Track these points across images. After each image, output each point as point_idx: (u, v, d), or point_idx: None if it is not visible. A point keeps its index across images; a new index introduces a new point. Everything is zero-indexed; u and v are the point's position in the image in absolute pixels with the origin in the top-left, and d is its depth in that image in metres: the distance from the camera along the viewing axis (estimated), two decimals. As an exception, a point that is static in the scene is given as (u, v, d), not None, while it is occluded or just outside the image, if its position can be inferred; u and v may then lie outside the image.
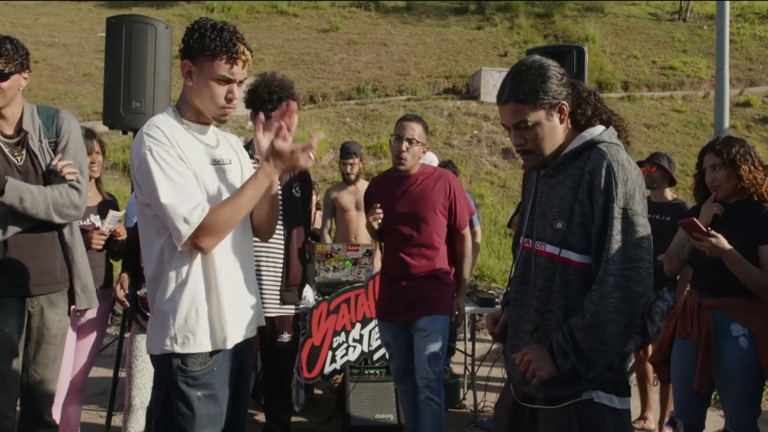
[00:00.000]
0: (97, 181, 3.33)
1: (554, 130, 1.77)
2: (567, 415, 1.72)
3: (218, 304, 1.93)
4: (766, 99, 13.06)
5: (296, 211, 3.27)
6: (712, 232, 2.59)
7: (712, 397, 2.98)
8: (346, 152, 5.07)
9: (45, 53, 13.32)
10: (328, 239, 5.07)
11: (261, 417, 3.72)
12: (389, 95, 12.95)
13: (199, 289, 1.91)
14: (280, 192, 3.24)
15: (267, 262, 3.17)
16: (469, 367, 4.67)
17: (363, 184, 5.13)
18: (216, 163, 2.03)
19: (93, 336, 3.21)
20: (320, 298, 4.00)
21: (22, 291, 2.42)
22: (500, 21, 16.11)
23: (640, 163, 4.23)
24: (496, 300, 4.10)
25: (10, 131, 2.46)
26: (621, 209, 1.66)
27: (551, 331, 1.75)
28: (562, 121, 1.78)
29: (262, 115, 2.10)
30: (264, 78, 3.12)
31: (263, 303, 3.14)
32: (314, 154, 2.01)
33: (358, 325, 3.95)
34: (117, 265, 3.41)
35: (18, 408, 2.50)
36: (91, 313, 3.14)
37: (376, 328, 3.93)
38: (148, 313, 3.10)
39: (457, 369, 4.94)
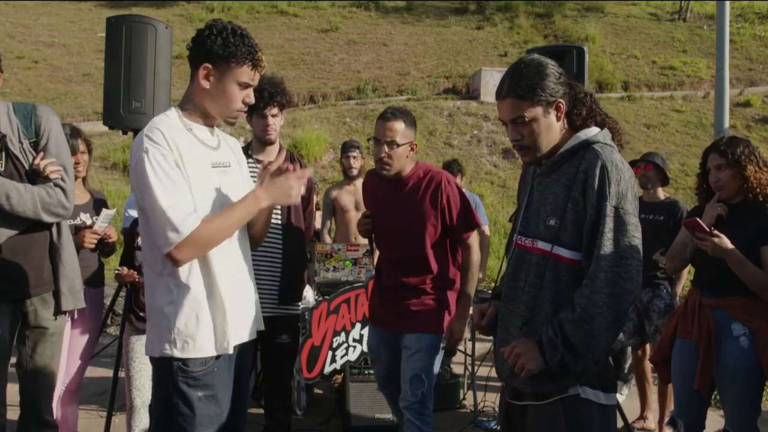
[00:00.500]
0: (84, 180, 3.32)
1: (550, 127, 1.82)
2: (554, 411, 1.76)
3: (220, 308, 1.94)
4: (766, 99, 13.05)
5: (296, 211, 3.27)
6: (715, 231, 2.60)
7: (713, 397, 2.98)
8: (348, 146, 5.08)
9: (45, 53, 13.32)
10: (328, 239, 5.07)
11: (261, 417, 3.72)
12: (389, 95, 12.94)
13: (200, 293, 1.91)
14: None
15: (266, 262, 3.17)
16: (469, 367, 4.67)
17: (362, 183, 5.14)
18: (216, 165, 2.03)
19: (86, 336, 3.19)
20: (320, 298, 4.00)
21: (15, 295, 2.39)
22: (500, 21, 16.11)
23: (633, 162, 4.24)
24: (489, 300, 4.09)
25: None
26: (613, 208, 1.71)
27: (540, 325, 1.79)
28: (558, 118, 1.83)
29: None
30: None
31: (262, 303, 3.14)
32: (303, 190, 2.06)
33: (358, 325, 3.95)
34: (111, 266, 3.40)
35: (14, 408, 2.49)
36: (83, 313, 3.10)
37: (376, 328, 3.93)
38: (141, 314, 3.11)
39: (457, 369, 4.94)
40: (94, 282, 3.21)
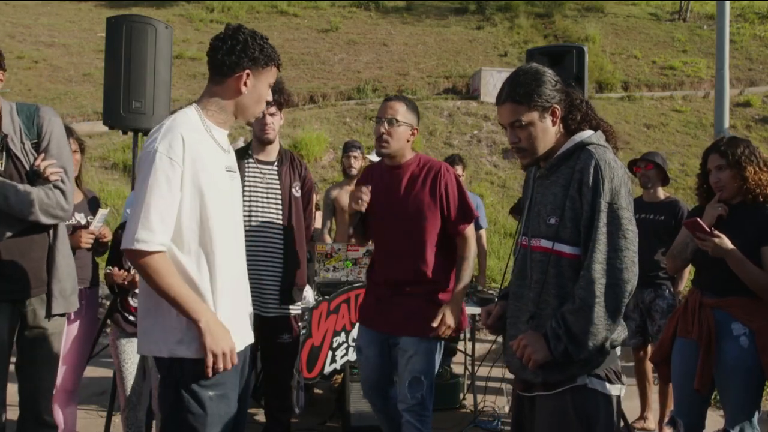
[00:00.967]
0: (77, 180, 3.31)
1: (546, 131, 1.94)
2: (563, 400, 1.86)
3: (223, 313, 1.94)
4: (766, 99, 13.05)
5: (296, 211, 3.27)
6: (716, 232, 2.60)
7: (712, 396, 2.98)
8: (350, 146, 5.10)
9: (45, 53, 13.31)
10: (328, 239, 5.07)
11: (261, 417, 3.72)
12: (389, 95, 12.94)
13: (204, 298, 1.92)
14: (280, 192, 3.25)
15: (267, 262, 3.17)
16: (469, 367, 4.67)
17: (363, 184, 5.14)
18: (229, 170, 2.06)
19: (82, 337, 3.19)
20: (320, 298, 4.00)
21: (14, 295, 2.39)
22: (500, 21, 16.10)
23: (634, 162, 4.23)
24: (497, 300, 4.09)
25: None
26: (607, 203, 1.82)
27: (547, 318, 1.89)
28: (554, 123, 1.95)
29: None
30: None
31: (263, 303, 3.15)
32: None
33: (358, 325, 3.94)
34: (101, 266, 3.39)
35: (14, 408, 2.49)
36: (79, 313, 3.09)
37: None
38: (131, 318, 3.11)
39: (457, 369, 4.94)
40: (88, 282, 3.20)
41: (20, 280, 2.39)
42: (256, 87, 2.04)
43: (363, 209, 2.84)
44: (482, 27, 15.97)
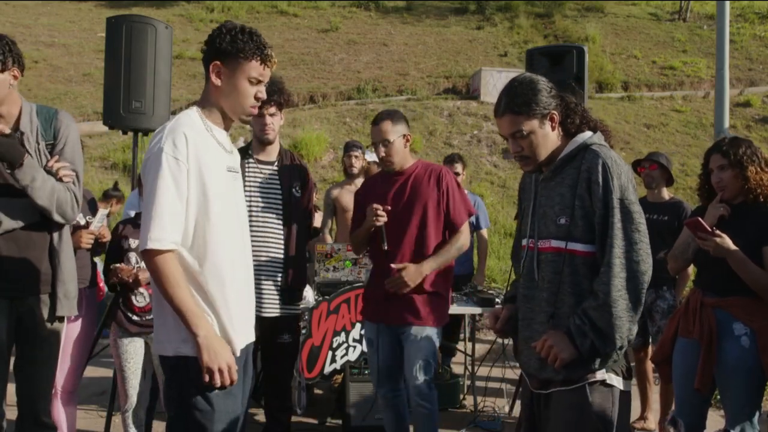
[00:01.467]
0: None
1: (547, 137, 1.99)
2: (582, 394, 1.89)
3: (227, 311, 1.96)
4: (766, 99, 13.06)
5: (296, 211, 3.27)
6: (717, 231, 2.60)
7: (713, 396, 2.98)
8: (351, 145, 5.12)
9: (45, 53, 13.32)
10: (328, 239, 5.07)
11: (261, 417, 3.72)
12: (389, 95, 12.94)
13: (209, 296, 1.93)
14: (280, 192, 3.25)
15: (267, 262, 3.17)
16: (469, 367, 4.67)
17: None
18: (230, 170, 2.07)
19: (82, 337, 3.18)
20: (320, 298, 4.00)
21: (9, 292, 2.39)
22: (500, 21, 16.11)
23: (638, 162, 4.23)
24: (496, 300, 4.10)
25: (6, 131, 2.39)
26: (618, 200, 1.88)
27: (565, 317, 1.92)
28: (553, 128, 2.00)
29: None
30: None
31: (263, 303, 3.15)
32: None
33: (358, 325, 3.94)
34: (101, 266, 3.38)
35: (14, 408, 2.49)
36: (79, 313, 3.09)
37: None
38: (133, 317, 3.11)
39: (457, 369, 4.94)
40: (87, 282, 3.20)
41: (18, 279, 2.39)
42: (233, 80, 1.98)
43: (382, 224, 3.03)
44: (482, 27, 15.97)
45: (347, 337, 3.95)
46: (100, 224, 3.06)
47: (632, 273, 1.85)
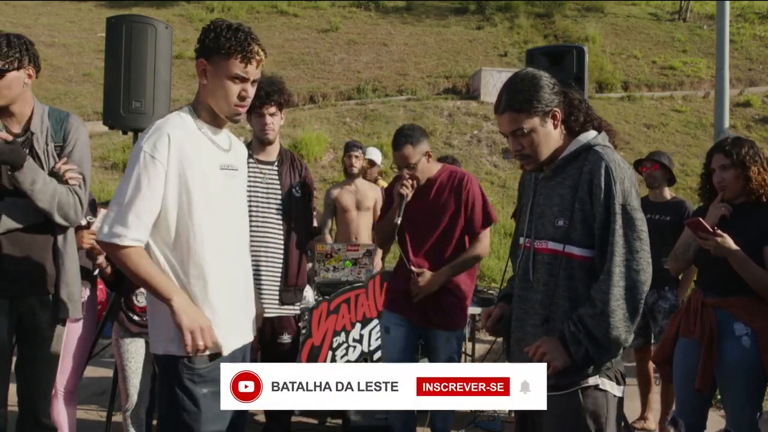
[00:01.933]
0: None
1: (549, 135, 1.92)
2: (574, 400, 1.85)
3: (212, 312, 1.96)
4: (766, 99, 13.06)
5: (296, 211, 3.27)
6: (718, 231, 2.60)
7: (714, 397, 2.98)
8: (351, 145, 5.14)
9: (45, 53, 13.30)
10: (328, 239, 5.07)
11: (261, 417, 3.72)
12: (389, 95, 12.94)
13: (192, 295, 1.94)
14: (280, 192, 3.25)
15: (267, 262, 3.17)
16: (470, 367, 4.66)
17: (362, 183, 5.14)
18: (225, 168, 2.05)
19: (82, 337, 3.17)
20: (320, 298, 4.00)
21: (11, 292, 2.39)
22: (500, 21, 16.11)
23: (640, 162, 4.22)
24: (496, 302, 4.10)
25: (17, 130, 2.43)
26: (621, 205, 1.81)
27: (559, 321, 1.88)
28: (555, 126, 1.93)
29: None
30: None
31: (262, 303, 3.15)
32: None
33: (358, 325, 3.94)
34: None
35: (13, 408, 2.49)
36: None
37: (377, 328, 3.93)
38: (135, 317, 3.12)
39: (457, 369, 4.93)
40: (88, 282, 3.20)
41: (19, 279, 2.39)
42: (216, 78, 1.95)
43: (409, 196, 3.09)
44: (482, 27, 15.97)
45: (347, 337, 3.95)
46: (100, 224, 3.06)
47: (632, 282, 1.80)
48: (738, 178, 2.73)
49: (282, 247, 3.19)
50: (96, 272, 3.20)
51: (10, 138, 2.30)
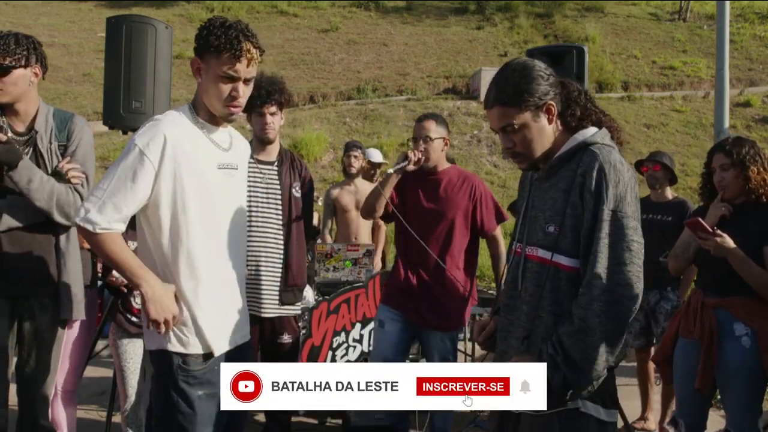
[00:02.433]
0: None
1: (542, 131, 1.74)
2: (550, 423, 1.67)
3: (198, 307, 1.97)
4: (766, 99, 13.05)
5: (296, 211, 3.27)
6: (718, 231, 2.60)
7: (714, 397, 2.98)
8: (351, 145, 5.15)
9: (45, 53, 13.31)
10: (328, 239, 5.07)
11: (261, 417, 3.72)
12: (389, 95, 12.94)
13: (181, 291, 1.95)
14: (279, 192, 3.25)
15: (267, 262, 3.17)
16: (470, 367, 4.66)
17: (362, 183, 5.14)
18: (223, 167, 2.04)
19: (82, 337, 3.17)
20: (320, 298, 4.00)
21: (11, 292, 2.38)
22: (500, 21, 16.10)
23: (641, 162, 4.22)
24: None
25: (21, 128, 2.43)
26: (610, 211, 1.63)
27: (540, 337, 1.72)
28: (550, 121, 1.75)
29: None
30: None
31: (263, 303, 3.15)
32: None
33: (358, 325, 3.94)
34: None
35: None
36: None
37: (377, 328, 3.93)
38: (133, 318, 3.13)
39: (458, 369, 4.92)
40: (88, 282, 3.20)
41: (19, 279, 2.38)
42: (208, 76, 1.94)
43: (412, 162, 3.10)
44: (482, 27, 15.97)
45: (347, 337, 3.95)
46: None
47: (616, 297, 1.60)
48: (738, 178, 2.73)
49: (282, 247, 3.19)
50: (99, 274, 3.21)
51: (4, 138, 2.30)
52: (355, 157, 5.05)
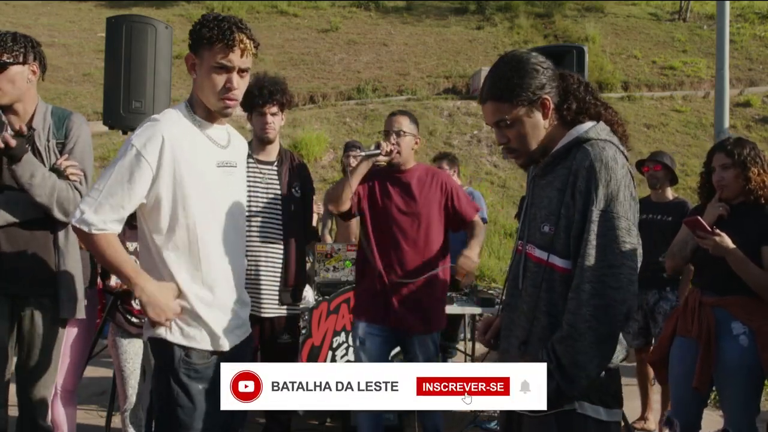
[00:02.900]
0: None
1: (537, 127, 1.70)
2: (548, 424, 1.66)
3: (206, 310, 1.98)
4: (766, 99, 13.05)
5: (296, 211, 3.27)
6: (717, 230, 2.60)
7: (711, 397, 2.98)
8: (350, 145, 5.16)
9: (45, 53, 13.30)
10: (328, 239, 5.07)
11: (261, 417, 3.72)
12: (389, 95, 12.94)
13: (186, 295, 1.96)
14: (279, 192, 3.25)
15: (266, 262, 3.17)
16: (469, 367, 4.65)
17: (363, 184, 5.14)
18: (222, 165, 2.04)
19: (81, 337, 3.17)
20: (320, 298, 4.00)
21: (10, 290, 2.38)
22: (500, 21, 16.10)
23: (642, 162, 4.23)
24: (497, 300, 4.10)
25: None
26: (600, 212, 1.57)
27: (536, 340, 1.70)
28: (546, 116, 1.69)
29: None
30: (255, 77, 3.13)
31: (263, 303, 3.15)
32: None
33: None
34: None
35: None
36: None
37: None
38: (132, 318, 3.13)
39: (457, 369, 4.92)
40: (87, 281, 3.20)
41: (19, 278, 2.38)
42: (202, 70, 1.92)
43: (384, 152, 3.04)
44: (482, 27, 15.96)
45: (347, 337, 3.95)
46: None
47: (606, 301, 1.54)
48: (738, 178, 2.73)
49: (282, 247, 3.19)
50: (99, 274, 3.21)
51: (26, 131, 2.32)
52: (354, 157, 5.05)
